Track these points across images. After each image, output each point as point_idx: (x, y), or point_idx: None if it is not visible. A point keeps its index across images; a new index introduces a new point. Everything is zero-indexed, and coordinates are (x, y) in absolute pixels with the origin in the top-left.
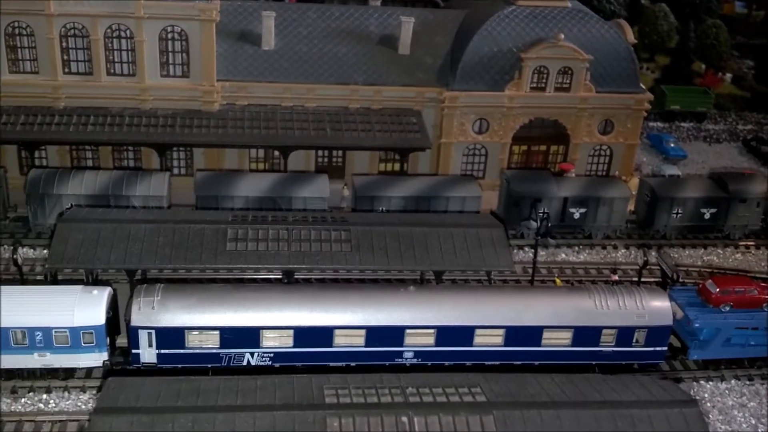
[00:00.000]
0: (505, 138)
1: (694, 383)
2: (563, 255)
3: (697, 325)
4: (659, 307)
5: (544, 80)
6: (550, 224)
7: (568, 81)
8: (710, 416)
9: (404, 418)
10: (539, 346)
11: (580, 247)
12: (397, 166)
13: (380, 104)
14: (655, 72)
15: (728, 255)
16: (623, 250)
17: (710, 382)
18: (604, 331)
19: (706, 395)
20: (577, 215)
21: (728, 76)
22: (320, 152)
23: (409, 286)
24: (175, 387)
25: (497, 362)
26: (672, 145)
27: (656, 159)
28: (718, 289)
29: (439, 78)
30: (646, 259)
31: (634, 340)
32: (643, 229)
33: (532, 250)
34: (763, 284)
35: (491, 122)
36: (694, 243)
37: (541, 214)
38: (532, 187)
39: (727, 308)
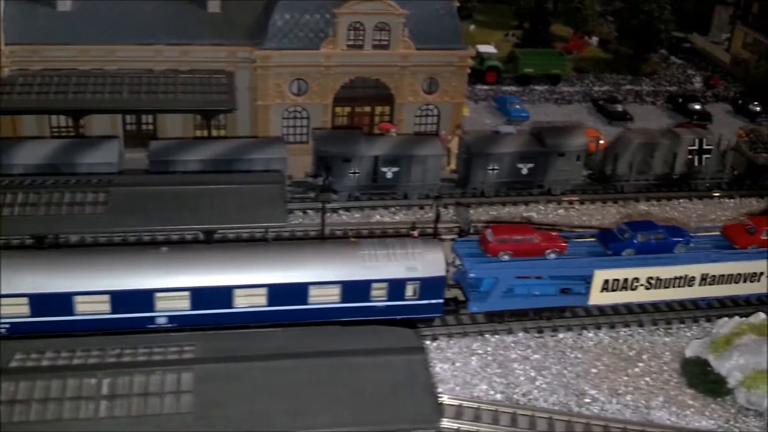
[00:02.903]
0: (325, 99)
1: (479, 337)
2: (378, 216)
3: (472, 275)
4: (431, 258)
5: (361, 37)
6: (330, 179)
7: (386, 38)
8: (488, 370)
9: (92, 380)
10: (306, 304)
11: (397, 207)
12: (215, 132)
13: (189, 66)
14: (519, 38)
15: (550, 211)
16: (441, 209)
17: (496, 336)
18: (374, 284)
19: (489, 349)
20: (389, 174)
21: (594, 39)
22: (128, 118)
23: (162, 247)
24: None
25: (263, 324)
26: (516, 106)
27: (500, 121)
28: (495, 238)
29: (252, 37)
30: (438, 212)
31: (407, 293)
32: (462, 187)
33: (345, 212)
34: (547, 232)
35: (309, 83)
36: (515, 200)
37: (324, 170)
38: (339, 147)
39: (506, 257)
